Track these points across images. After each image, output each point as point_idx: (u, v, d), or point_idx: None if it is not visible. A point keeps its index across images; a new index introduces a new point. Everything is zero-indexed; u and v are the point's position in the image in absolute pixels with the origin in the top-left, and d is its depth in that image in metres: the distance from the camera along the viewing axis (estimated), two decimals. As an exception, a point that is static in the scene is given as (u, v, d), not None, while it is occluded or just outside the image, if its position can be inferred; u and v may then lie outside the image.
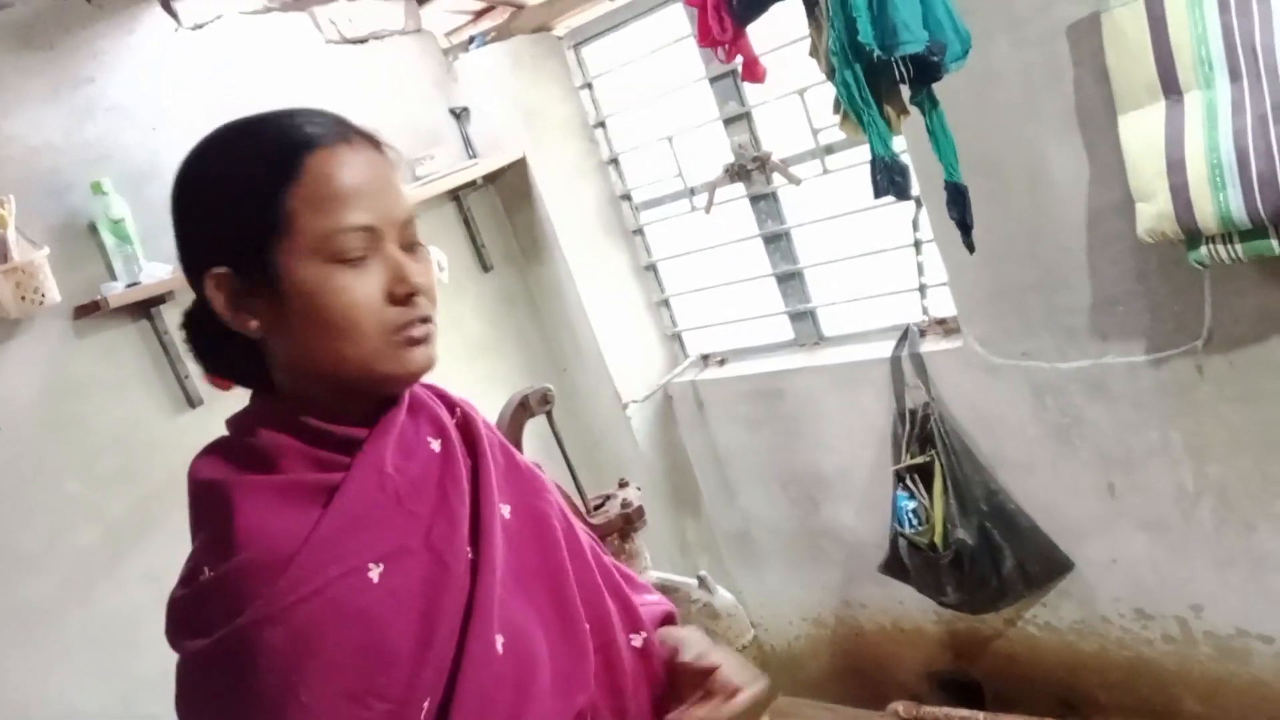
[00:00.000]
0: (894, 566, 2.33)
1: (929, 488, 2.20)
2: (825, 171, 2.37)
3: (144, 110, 2.07)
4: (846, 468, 2.53)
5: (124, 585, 1.92)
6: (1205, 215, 1.59)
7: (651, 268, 2.85)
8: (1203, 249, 1.65)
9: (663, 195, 2.74)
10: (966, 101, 1.93)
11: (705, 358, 2.83)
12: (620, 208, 2.81)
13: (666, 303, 2.87)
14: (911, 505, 2.20)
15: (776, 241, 2.58)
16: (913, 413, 2.30)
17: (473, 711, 0.80)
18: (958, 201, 1.59)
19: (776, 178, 2.46)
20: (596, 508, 1.96)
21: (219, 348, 0.88)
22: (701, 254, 2.76)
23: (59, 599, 1.84)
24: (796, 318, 2.63)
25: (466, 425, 0.95)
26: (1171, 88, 1.62)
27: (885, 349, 2.36)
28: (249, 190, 0.81)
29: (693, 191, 2.64)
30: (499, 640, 0.83)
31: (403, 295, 0.83)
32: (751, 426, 2.69)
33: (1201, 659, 2.13)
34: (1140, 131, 1.66)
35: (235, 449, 0.86)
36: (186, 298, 2.07)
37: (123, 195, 1.96)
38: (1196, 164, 1.58)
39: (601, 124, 2.75)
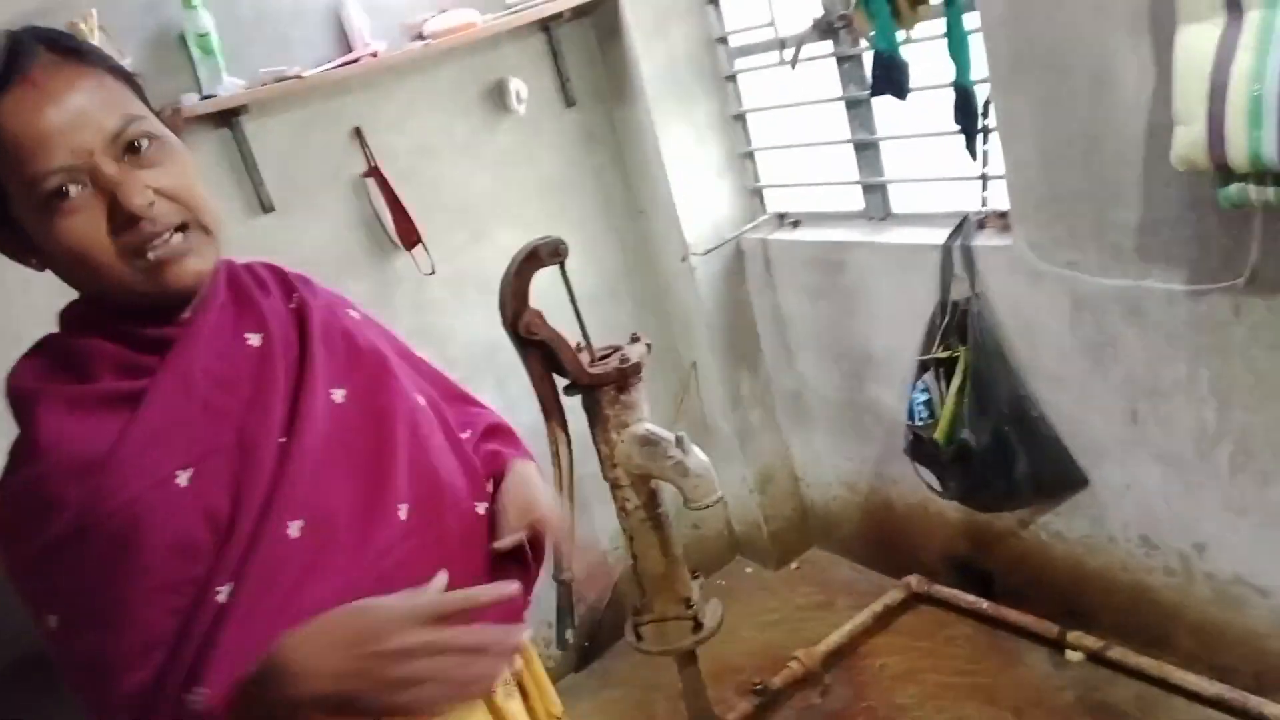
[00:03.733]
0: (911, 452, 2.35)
1: (949, 383, 2.18)
2: (908, 40, 2.24)
3: (236, -74, 2.18)
4: (893, 350, 2.52)
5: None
6: (1237, 150, 1.45)
7: (740, 118, 2.81)
8: (1232, 187, 1.52)
9: (756, 44, 2.66)
10: (1033, -12, 1.78)
11: (781, 217, 2.81)
12: (715, 52, 2.75)
13: (751, 156, 2.84)
14: (924, 398, 2.19)
15: (857, 107, 2.49)
16: (955, 305, 2.25)
17: (253, 591, 0.85)
18: (964, 105, 1.52)
19: (862, 41, 2.35)
20: (601, 358, 2.06)
21: None
22: (788, 111, 2.70)
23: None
24: (869, 190, 2.56)
25: (301, 311, 1.00)
26: (1234, 1, 1.45)
27: (945, 235, 2.29)
28: None
29: (783, 44, 2.54)
30: (295, 524, 0.87)
31: (123, 223, 0.83)
32: (812, 295, 2.69)
33: (1199, 598, 2.08)
34: (1193, 47, 1.50)
35: (54, 351, 0.90)
36: (261, 111, 2.18)
37: (210, 11, 2.10)
38: (1238, 92, 1.44)
39: (704, -38, 2.67)
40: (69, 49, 0.86)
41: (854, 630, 2.60)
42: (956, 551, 2.64)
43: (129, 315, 0.90)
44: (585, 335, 2.09)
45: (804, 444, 2.98)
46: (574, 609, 2.14)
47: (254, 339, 0.94)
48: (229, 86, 2.11)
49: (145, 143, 0.86)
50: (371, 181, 2.39)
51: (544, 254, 1.96)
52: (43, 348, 0.92)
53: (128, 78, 0.90)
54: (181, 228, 0.87)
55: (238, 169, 2.23)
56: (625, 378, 2.01)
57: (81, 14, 1.93)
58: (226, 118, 2.17)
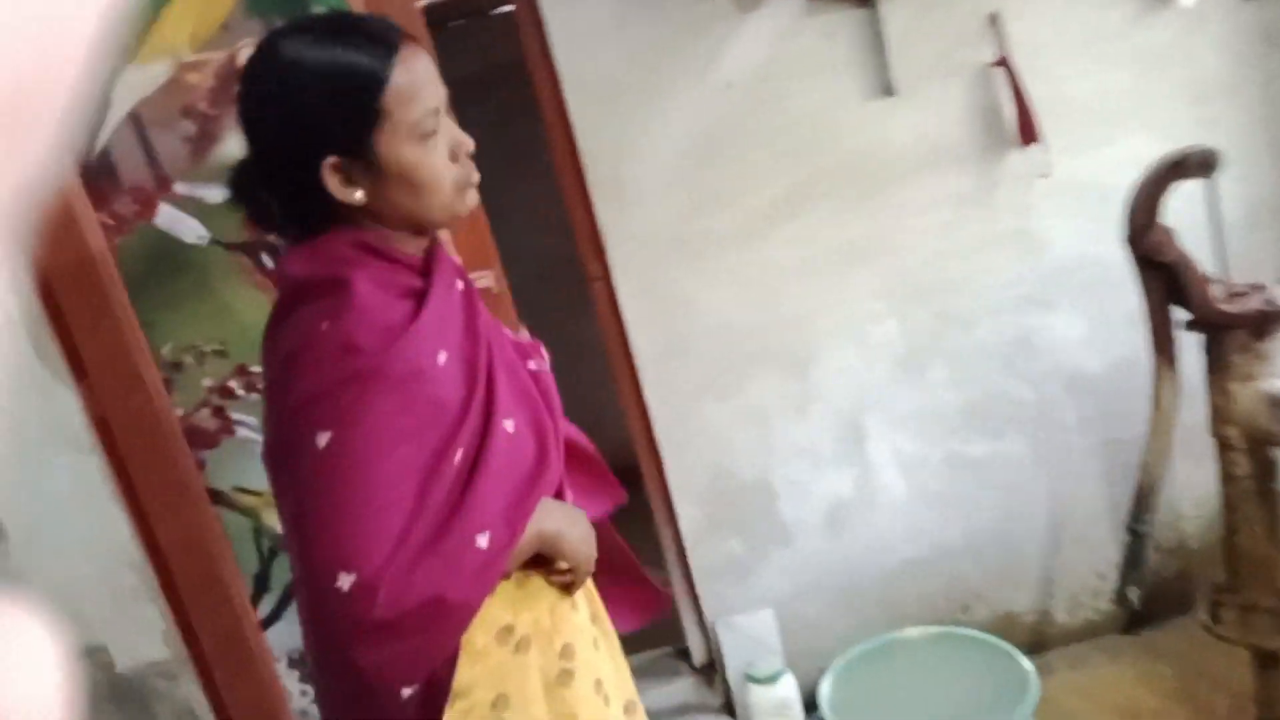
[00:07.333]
0: None
1: None
2: None
3: None
4: None
5: (776, 243, 2.31)
6: None
7: None
8: None
9: None
10: None
11: None
12: None
13: None
14: None
15: None
16: None
17: (486, 461, 1.10)
18: None
19: None
20: (1237, 295, 1.76)
21: (283, 204, 1.14)
22: None
23: (728, 239, 2.30)
24: None
25: (463, 274, 1.23)
26: None
27: None
28: (355, 94, 1.05)
29: None
30: (509, 422, 1.14)
31: (464, 159, 1.12)
32: None
33: None
34: None
35: (351, 243, 1.11)
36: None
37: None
38: None
39: None
40: (412, 36, 1.13)
41: None
42: None
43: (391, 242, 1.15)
44: (1223, 266, 1.79)
45: None
46: (1145, 564, 1.93)
47: (459, 284, 1.20)
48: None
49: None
50: (999, 71, 2.26)
51: (1192, 164, 1.70)
52: (334, 239, 1.13)
53: None
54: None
55: (867, 50, 2.23)
56: (1265, 322, 1.70)
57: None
58: (871, -6, 2.18)
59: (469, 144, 1.12)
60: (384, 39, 1.07)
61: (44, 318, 1.94)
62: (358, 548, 1.00)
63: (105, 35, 0.21)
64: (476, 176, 1.14)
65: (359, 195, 1.09)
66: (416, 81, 1.07)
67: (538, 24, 2.23)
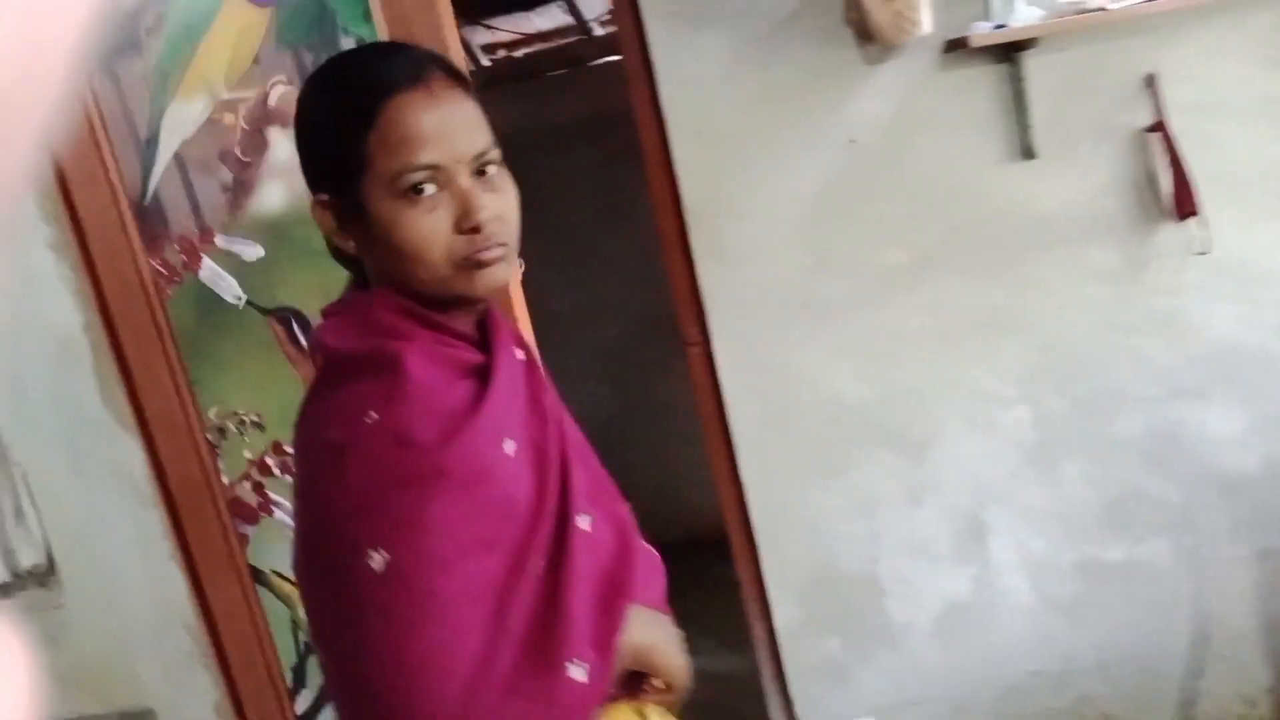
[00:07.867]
0: None
1: None
2: None
3: None
4: None
5: (896, 313, 2.10)
6: None
7: None
8: None
9: None
10: None
11: None
12: None
13: None
14: None
15: None
16: None
17: (579, 576, 0.94)
18: None
19: None
20: None
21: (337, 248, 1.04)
22: None
23: (843, 306, 2.10)
24: None
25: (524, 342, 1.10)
26: None
27: None
28: (337, 134, 0.96)
29: None
30: (585, 519, 0.98)
31: (466, 229, 0.94)
32: None
33: None
34: None
35: (398, 307, 0.98)
36: (1049, 46, 2.04)
37: (1018, -70, 1.92)
38: None
39: None
40: (458, 75, 0.99)
41: None
42: None
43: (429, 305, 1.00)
44: None
45: None
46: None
47: (519, 353, 1.07)
48: (1024, 16, 1.91)
49: (493, 169, 0.98)
50: (1155, 138, 2.04)
51: None
52: (375, 303, 1.00)
53: (484, 111, 1.02)
54: (500, 245, 0.97)
55: (1006, 109, 2.04)
56: None
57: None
58: (1009, 51, 1.99)
59: (484, 215, 0.94)
60: (388, 75, 0.96)
61: (110, 358, 1.83)
62: (429, 694, 0.83)
63: (90, 34, 0.20)
64: (493, 254, 0.95)
65: (350, 244, 1.00)
66: (408, 129, 0.93)
67: (647, 69, 2.09)
